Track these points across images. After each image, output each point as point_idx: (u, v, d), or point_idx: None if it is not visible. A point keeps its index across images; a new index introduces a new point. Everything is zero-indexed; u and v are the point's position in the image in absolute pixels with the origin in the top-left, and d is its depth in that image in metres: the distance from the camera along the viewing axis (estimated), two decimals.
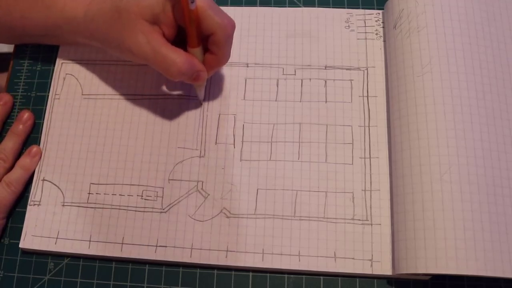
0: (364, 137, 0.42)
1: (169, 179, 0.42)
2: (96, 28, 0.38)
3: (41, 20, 0.41)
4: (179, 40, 0.38)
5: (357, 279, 0.39)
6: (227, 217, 0.40)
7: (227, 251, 0.39)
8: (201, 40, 0.38)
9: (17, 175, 0.42)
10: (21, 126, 0.44)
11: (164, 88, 0.44)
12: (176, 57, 0.36)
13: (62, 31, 0.41)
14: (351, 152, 0.42)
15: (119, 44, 0.37)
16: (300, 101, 0.43)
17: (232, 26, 0.37)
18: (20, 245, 0.41)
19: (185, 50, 0.38)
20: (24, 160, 0.42)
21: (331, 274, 0.39)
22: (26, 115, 0.44)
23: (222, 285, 0.39)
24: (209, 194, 0.41)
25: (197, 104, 0.44)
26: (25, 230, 0.41)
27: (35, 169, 0.43)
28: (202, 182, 0.41)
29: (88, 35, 0.40)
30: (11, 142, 0.43)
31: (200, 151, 0.42)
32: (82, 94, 0.45)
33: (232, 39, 0.38)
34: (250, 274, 0.40)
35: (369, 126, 0.42)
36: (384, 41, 0.45)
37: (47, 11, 0.40)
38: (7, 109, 0.45)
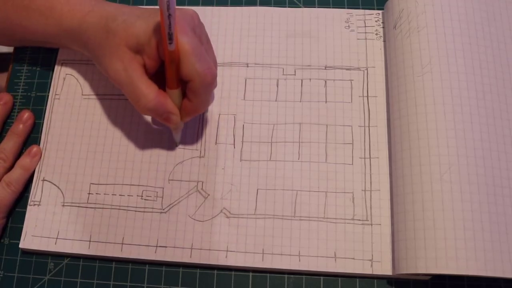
0: (364, 137, 0.42)
1: (169, 179, 0.42)
2: (87, 40, 0.38)
3: (39, 28, 0.41)
4: (163, 76, 0.37)
5: (357, 279, 0.39)
6: (227, 217, 0.40)
7: (227, 251, 0.39)
8: (180, 83, 0.37)
9: (17, 175, 0.42)
10: (21, 126, 0.44)
11: None
12: (148, 92, 0.35)
13: (60, 38, 0.41)
14: (351, 152, 0.42)
15: (100, 63, 0.37)
16: (300, 101, 0.43)
17: (212, 75, 0.35)
18: (20, 245, 0.41)
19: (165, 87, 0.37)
20: (24, 160, 0.42)
21: (331, 274, 0.39)
22: (26, 115, 0.44)
23: (222, 285, 0.39)
24: (209, 194, 0.41)
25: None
26: (25, 230, 0.41)
27: (35, 169, 0.43)
28: (202, 182, 0.41)
29: (81, 45, 0.40)
30: (11, 142, 0.43)
31: (200, 151, 0.42)
32: (82, 94, 0.45)
33: (211, 88, 0.36)
34: (250, 274, 0.40)
35: (369, 126, 0.42)
36: (384, 41, 0.45)
37: (44, 20, 0.40)
38: (7, 109, 0.45)
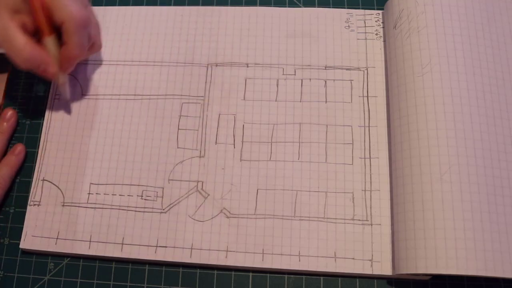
0: (364, 137, 0.42)
1: (169, 179, 0.42)
2: None
3: None
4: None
5: (357, 279, 0.39)
6: (227, 217, 0.40)
7: (227, 251, 0.39)
8: (54, 31, 0.39)
9: (2, 171, 0.42)
10: (5, 124, 0.44)
11: (164, 88, 0.44)
12: (23, 44, 0.37)
13: None
14: (351, 152, 0.42)
15: None
16: (300, 101, 0.43)
17: (82, 17, 0.38)
18: (21, 246, 0.41)
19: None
20: (9, 158, 0.43)
21: (331, 274, 0.39)
22: (9, 113, 0.45)
23: (222, 285, 0.39)
24: (209, 194, 0.41)
25: (197, 104, 0.44)
26: (25, 230, 0.41)
27: (20, 166, 0.43)
28: (202, 182, 0.41)
29: None
30: None
31: (200, 151, 0.42)
32: (82, 94, 0.45)
33: (84, 31, 0.38)
34: (250, 274, 0.40)
35: (369, 126, 0.42)
36: (384, 41, 0.45)
37: None
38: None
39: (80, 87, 0.45)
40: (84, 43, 0.40)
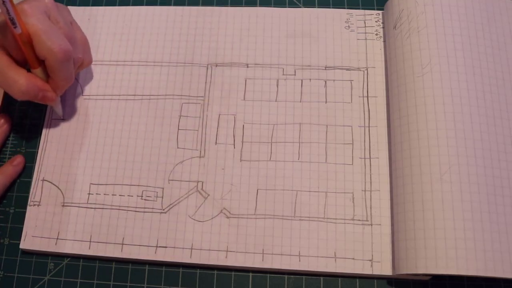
0: (364, 138, 0.42)
1: (169, 179, 0.42)
2: None
3: None
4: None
5: (357, 280, 0.39)
6: (227, 217, 0.40)
7: (227, 251, 0.39)
8: (41, 62, 0.38)
9: None
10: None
11: (164, 88, 0.44)
12: (18, 78, 0.37)
13: None
14: (351, 152, 0.42)
15: None
16: (300, 101, 0.43)
17: (64, 52, 0.37)
18: (21, 246, 0.41)
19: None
20: (7, 167, 0.43)
21: (331, 275, 0.39)
22: (1, 120, 0.44)
23: (222, 285, 0.39)
24: (209, 195, 0.41)
25: (197, 104, 0.44)
26: (25, 230, 0.41)
27: (16, 177, 0.43)
28: (202, 182, 0.41)
29: None
30: None
31: (200, 151, 0.42)
32: (82, 94, 0.45)
33: (66, 64, 0.38)
34: (250, 274, 0.40)
35: (369, 126, 0.42)
36: (384, 41, 0.45)
37: None
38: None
39: (80, 88, 0.45)
40: (70, 73, 0.39)
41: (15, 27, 0.35)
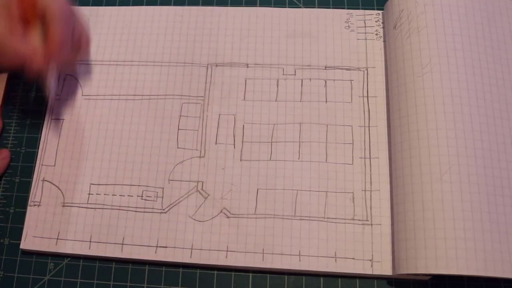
0: (364, 137, 0.42)
1: (169, 180, 0.42)
2: None
3: None
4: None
5: (357, 279, 0.39)
6: (227, 217, 0.40)
7: (227, 251, 0.39)
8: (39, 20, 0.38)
9: None
10: None
11: (164, 88, 0.44)
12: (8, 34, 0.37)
13: None
14: (351, 152, 0.42)
15: None
16: (300, 101, 0.43)
17: (61, 8, 0.37)
18: (21, 246, 0.41)
19: None
20: None
21: (331, 274, 0.39)
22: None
23: (222, 285, 0.39)
24: (209, 194, 0.41)
25: (197, 104, 0.44)
26: (25, 231, 0.41)
27: (3, 171, 0.43)
28: (202, 182, 0.41)
29: None
30: None
31: (200, 151, 0.42)
32: (82, 94, 0.45)
33: (66, 17, 0.38)
34: (250, 274, 0.40)
35: (369, 126, 0.42)
36: (384, 41, 0.45)
37: None
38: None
39: (80, 88, 0.45)
40: (67, 30, 0.39)
41: None
